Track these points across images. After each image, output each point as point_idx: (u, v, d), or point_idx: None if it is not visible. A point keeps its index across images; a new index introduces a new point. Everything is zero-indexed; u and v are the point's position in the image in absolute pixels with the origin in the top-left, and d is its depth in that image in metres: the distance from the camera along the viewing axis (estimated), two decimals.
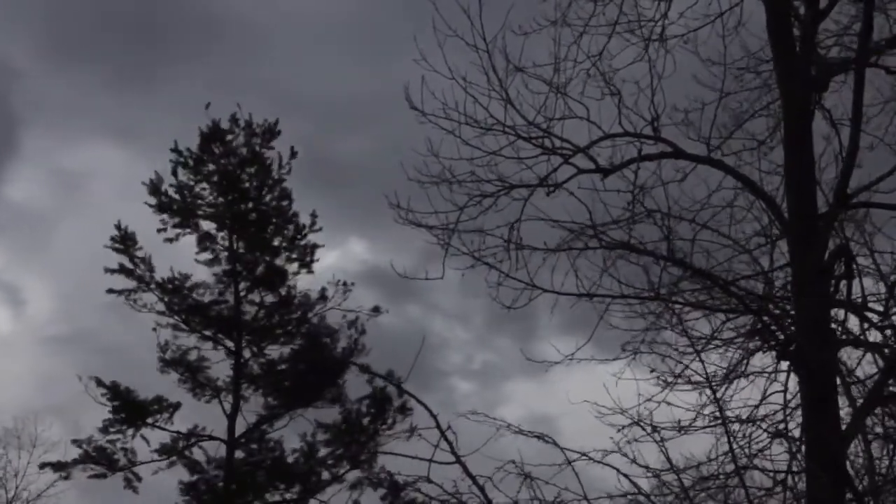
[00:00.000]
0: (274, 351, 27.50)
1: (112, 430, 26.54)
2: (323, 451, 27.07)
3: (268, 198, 28.18)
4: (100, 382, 26.64)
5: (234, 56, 50.66)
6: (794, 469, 11.17)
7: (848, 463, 10.93)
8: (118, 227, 27.33)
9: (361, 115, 44.63)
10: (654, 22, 11.51)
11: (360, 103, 46.68)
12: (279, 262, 27.93)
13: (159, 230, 27.55)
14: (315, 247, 28.20)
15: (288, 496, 27.02)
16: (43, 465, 27.60)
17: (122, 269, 27.11)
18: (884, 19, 10.99)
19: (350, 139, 46.37)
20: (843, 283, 10.99)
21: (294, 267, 27.99)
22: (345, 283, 27.83)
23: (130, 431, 26.61)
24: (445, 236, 11.06)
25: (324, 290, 27.84)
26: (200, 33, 51.16)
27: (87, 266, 46.44)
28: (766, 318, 11.25)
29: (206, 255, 27.79)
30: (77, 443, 26.46)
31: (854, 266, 11.03)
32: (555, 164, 11.15)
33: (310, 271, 28.08)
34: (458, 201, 11.09)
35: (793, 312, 10.99)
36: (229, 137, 28.02)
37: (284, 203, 28.25)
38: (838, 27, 11.36)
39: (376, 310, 27.81)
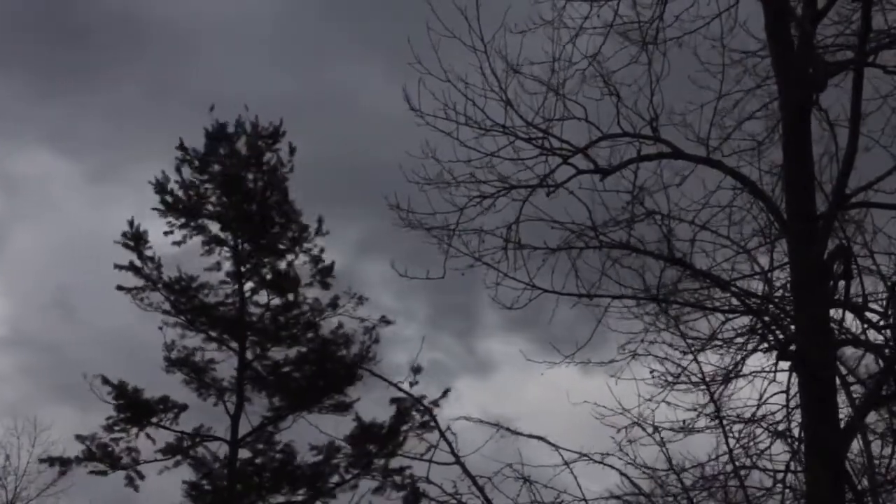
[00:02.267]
0: (279, 353, 27.53)
1: (116, 428, 26.63)
2: (336, 456, 27.11)
3: (272, 199, 28.18)
4: (105, 380, 26.72)
5: (162, 60, 50.70)
6: (795, 469, 11.19)
7: (848, 462, 10.92)
8: (130, 224, 27.41)
9: (290, 118, 45.22)
10: (650, 23, 11.52)
11: (288, 107, 47.19)
12: (284, 264, 27.94)
13: (166, 232, 27.66)
14: (332, 265, 28.16)
15: (294, 499, 27.06)
16: (44, 461, 27.62)
17: (131, 267, 27.17)
18: (882, 19, 10.99)
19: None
20: (843, 283, 10.99)
21: (306, 274, 27.97)
22: (360, 297, 27.81)
23: (134, 430, 26.72)
24: (445, 237, 11.10)
25: (336, 297, 27.84)
26: (126, 38, 51.66)
27: (34, 268, 47.09)
28: (765, 318, 11.25)
29: (212, 257, 27.88)
30: (81, 439, 26.54)
31: (853, 266, 11.02)
32: (554, 165, 11.18)
33: (325, 287, 28.04)
34: (457, 202, 11.15)
35: (792, 312, 10.98)
36: (234, 139, 28.07)
37: (286, 204, 28.27)
38: (837, 27, 11.36)
39: (384, 320, 27.79)
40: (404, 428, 26.93)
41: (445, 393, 26.01)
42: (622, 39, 11.51)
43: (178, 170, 27.82)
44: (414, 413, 26.67)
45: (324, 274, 27.91)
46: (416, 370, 25.62)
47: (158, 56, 51.47)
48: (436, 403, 25.16)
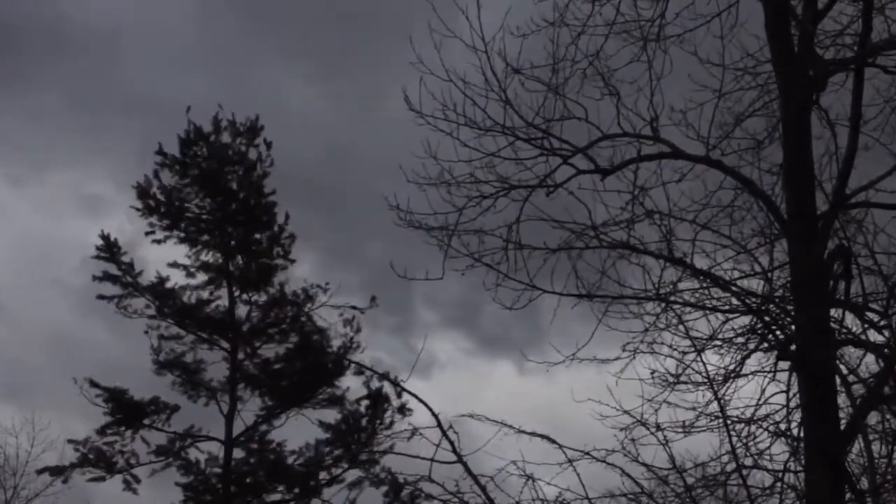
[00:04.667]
0: (269, 350, 27.53)
1: (109, 431, 26.56)
2: (323, 452, 27.11)
3: (253, 196, 28.14)
4: (93, 384, 26.66)
5: (87, 65, 52.33)
6: (795, 468, 11.20)
7: (848, 463, 10.93)
8: (102, 236, 27.32)
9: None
10: (652, 22, 11.53)
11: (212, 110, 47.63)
12: (266, 260, 27.93)
13: (147, 233, 27.61)
14: (292, 238, 28.15)
15: (287, 497, 27.02)
16: (41, 471, 27.46)
17: (108, 277, 27.11)
18: (882, 19, 11.01)
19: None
20: (843, 282, 11.01)
21: (279, 262, 28.00)
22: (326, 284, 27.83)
23: (128, 433, 26.67)
24: (445, 237, 11.08)
25: (311, 286, 27.86)
26: (51, 42, 52.25)
27: None
28: (766, 317, 11.26)
29: (196, 258, 27.85)
30: (74, 444, 26.47)
31: (853, 266, 11.04)
32: (554, 165, 11.17)
33: (289, 261, 28.08)
34: (457, 203, 11.13)
35: (793, 312, 10.98)
36: (212, 139, 28.00)
37: (266, 200, 28.24)
38: (837, 27, 11.39)
39: (372, 299, 27.77)
40: (385, 415, 27.03)
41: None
42: (624, 38, 11.51)
43: (157, 175, 27.78)
44: (389, 399, 26.82)
45: (284, 248, 27.92)
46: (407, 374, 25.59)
47: (83, 61, 52.31)
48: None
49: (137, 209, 27.53)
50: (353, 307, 27.63)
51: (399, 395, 26.58)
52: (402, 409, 26.77)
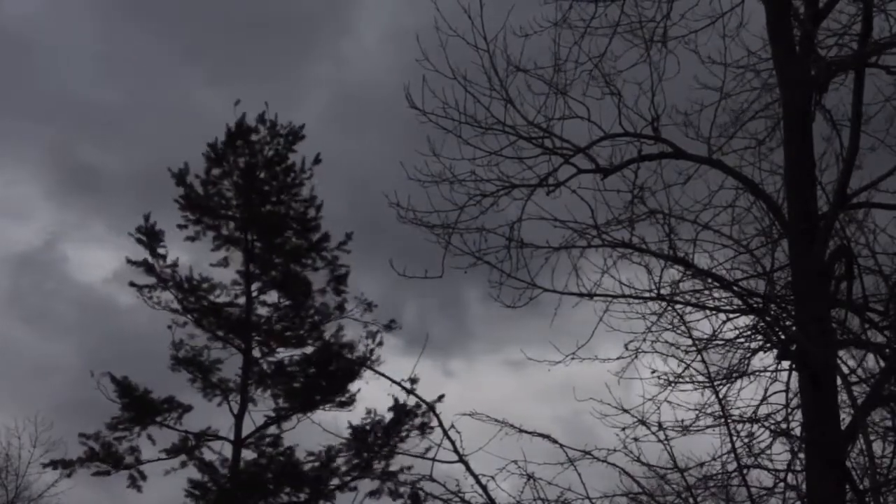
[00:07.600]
0: (284, 353, 27.54)
1: (120, 427, 26.61)
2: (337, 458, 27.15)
3: (288, 201, 28.16)
4: (113, 378, 26.71)
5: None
6: (796, 468, 11.20)
7: (849, 462, 10.92)
8: (146, 219, 27.42)
9: (126, 124, 48.56)
10: (656, 23, 11.53)
11: (123, 113, 50.18)
12: (297, 266, 27.91)
13: (180, 226, 27.71)
14: (346, 273, 28.16)
15: (296, 499, 27.03)
16: (47, 465, 27.58)
17: (144, 264, 27.18)
18: (883, 19, 11.00)
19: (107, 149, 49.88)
20: (844, 283, 11.01)
21: (320, 280, 28.00)
22: (369, 303, 27.80)
23: (137, 430, 26.72)
24: (445, 235, 11.10)
25: (344, 301, 27.88)
26: None
27: None
28: (767, 317, 11.25)
29: (222, 254, 27.92)
30: (84, 437, 26.49)
31: (854, 266, 11.03)
32: (555, 164, 11.17)
33: (338, 294, 28.09)
34: (458, 201, 11.13)
35: (794, 312, 10.98)
36: (254, 137, 28.07)
37: (307, 208, 28.25)
38: (838, 27, 11.38)
39: (390, 325, 27.75)
40: (404, 428, 26.97)
41: (441, 398, 26.11)
42: (629, 38, 11.51)
43: (208, 172, 27.83)
44: (414, 414, 26.77)
45: (338, 281, 27.93)
46: (414, 380, 25.62)
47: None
48: (439, 399, 25.24)
49: (175, 200, 27.67)
50: (391, 322, 27.66)
51: (423, 415, 26.57)
52: (423, 427, 26.67)
